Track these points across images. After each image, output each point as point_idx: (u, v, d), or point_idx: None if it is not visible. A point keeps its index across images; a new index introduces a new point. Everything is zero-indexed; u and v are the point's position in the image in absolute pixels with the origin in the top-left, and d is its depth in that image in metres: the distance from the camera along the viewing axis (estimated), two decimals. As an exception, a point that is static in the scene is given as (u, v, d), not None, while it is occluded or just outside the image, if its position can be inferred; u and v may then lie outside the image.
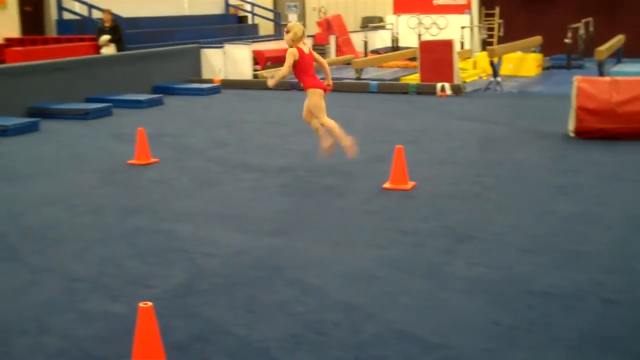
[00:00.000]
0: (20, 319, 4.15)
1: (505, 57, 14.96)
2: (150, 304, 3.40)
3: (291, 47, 7.48)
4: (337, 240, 5.43)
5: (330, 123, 7.57)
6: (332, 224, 5.84)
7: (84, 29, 18.03)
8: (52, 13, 19.31)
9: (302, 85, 7.65)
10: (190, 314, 4.17)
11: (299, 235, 5.56)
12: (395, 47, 20.31)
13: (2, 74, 11.76)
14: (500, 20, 20.59)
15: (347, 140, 7.54)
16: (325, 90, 7.61)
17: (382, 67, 17.44)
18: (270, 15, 24.69)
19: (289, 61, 7.43)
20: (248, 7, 24.87)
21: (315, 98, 7.53)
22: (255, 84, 14.98)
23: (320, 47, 19.10)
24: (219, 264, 4.98)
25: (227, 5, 24.39)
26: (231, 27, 22.65)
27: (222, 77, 15.55)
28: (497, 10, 20.92)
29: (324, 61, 7.98)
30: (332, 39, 19.46)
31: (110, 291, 4.52)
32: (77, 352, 3.74)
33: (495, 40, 20.18)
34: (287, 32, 7.54)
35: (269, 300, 4.35)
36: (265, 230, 5.69)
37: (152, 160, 8.06)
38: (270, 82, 7.58)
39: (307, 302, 4.31)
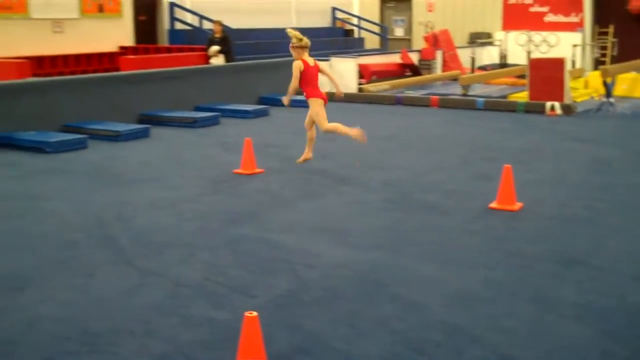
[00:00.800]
0: (128, 320, 4.25)
1: (619, 77, 14.44)
2: (255, 313, 3.41)
3: (297, 59, 8.01)
4: (441, 258, 5.34)
5: (332, 126, 8.13)
6: (436, 241, 5.75)
7: (195, 39, 18.54)
8: (165, 23, 19.94)
9: (304, 94, 8.13)
10: (292, 326, 4.18)
11: (401, 251, 5.50)
12: (503, 64, 19.96)
13: (116, 81, 12.19)
14: (615, 39, 19.95)
15: (355, 131, 8.05)
16: (325, 100, 8.15)
17: (489, 83, 17.17)
18: (377, 29, 24.72)
19: (295, 73, 7.98)
20: (355, 20, 24.98)
21: (316, 107, 8.07)
22: (360, 97, 15.00)
23: (426, 62, 18.97)
24: (321, 276, 4.98)
25: (334, 18, 24.58)
26: (337, 40, 22.80)
27: (327, 90, 15.61)
28: (611, 29, 20.27)
29: (330, 73, 8.57)
30: (439, 54, 19.29)
31: (215, 298, 4.58)
32: (180, 357, 3.80)
33: (608, 59, 19.54)
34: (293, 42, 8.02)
35: (370, 316, 4.31)
36: (367, 244, 5.66)
37: (257, 170, 8.16)
38: (285, 100, 8.27)
39: (409, 320, 4.25)
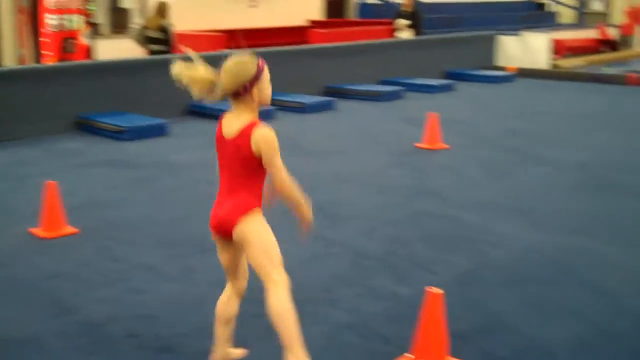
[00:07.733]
0: (313, 287, 4.33)
1: None
2: (440, 291, 3.34)
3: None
4: (634, 242, 5.03)
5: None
6: (629, 225, 5.43)
7: (385, 12, 18.52)
8: (355, -3, 20.07)
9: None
10: (474, 305, 4.09)
11: (592, 235, 5.24)
12: None
13: (305, 54, 12.40)
14: None
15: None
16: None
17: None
18: (572, 1, 23.55)
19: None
20: (548, -7, 23.98)
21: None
22: (553, 74, 14.40)
23: (626, 37, 17.90)
24: (506, 257, 4.83)
25: (526, -8, 23.72)
26: (529, 14, 21.99)
27: (516, 65, 15.13)
28: None
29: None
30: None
31: (397, 272, 4.57)
32: (361, 328, 3.82)
33: None
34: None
35: (557, 300, 4.14)
36: (555, 227, 5.43)
37: (442, 145, 8.04)
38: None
39: (597, 306, 4.04)
